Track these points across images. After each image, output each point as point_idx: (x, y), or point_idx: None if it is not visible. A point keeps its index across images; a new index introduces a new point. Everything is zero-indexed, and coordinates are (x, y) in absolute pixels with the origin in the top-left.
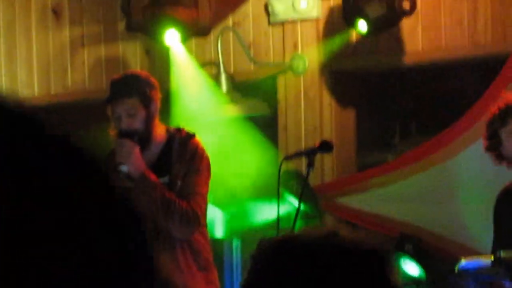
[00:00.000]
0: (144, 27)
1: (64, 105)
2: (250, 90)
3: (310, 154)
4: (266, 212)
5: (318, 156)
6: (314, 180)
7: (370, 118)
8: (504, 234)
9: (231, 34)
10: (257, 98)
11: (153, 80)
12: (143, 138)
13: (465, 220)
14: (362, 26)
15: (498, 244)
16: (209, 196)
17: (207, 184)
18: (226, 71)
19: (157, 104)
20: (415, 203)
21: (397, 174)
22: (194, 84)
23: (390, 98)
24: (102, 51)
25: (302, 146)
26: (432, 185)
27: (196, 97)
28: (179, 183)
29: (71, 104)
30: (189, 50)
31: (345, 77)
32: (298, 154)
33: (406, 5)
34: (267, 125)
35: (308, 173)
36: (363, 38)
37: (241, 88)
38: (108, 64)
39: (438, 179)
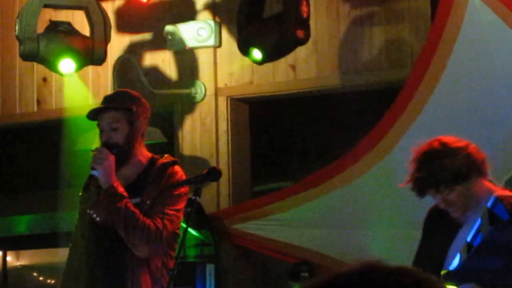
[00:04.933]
0: (39, 55)
1: None
2: None
3: (197, 181)
4: None
5: (214, 183)
6: (210, 207)
7: (267, 144)
8: (422, 248)
9: (128, 62)
10: (154, 125)
11: (143, 100)
12: (123, 152)
13: (365, 245)
14: (256, 54)
15: (417, 256)
16: None
17: (178, 211)
18: None
19: (143, 123)
20: (313, 228)
21: (294, 199)
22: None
23: (287, 125)
24: None
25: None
26: (330, 210)
27: (90, 124)
28: (148, 202)
29: None
30: (85, 78)
31: (242, 104)
32: (185, 182)
33: (300, 34)
34: (164, 152)
35: (194, 201)
36: (259, 66)
37: None
38: (3, 91)
39: (336, 204)
